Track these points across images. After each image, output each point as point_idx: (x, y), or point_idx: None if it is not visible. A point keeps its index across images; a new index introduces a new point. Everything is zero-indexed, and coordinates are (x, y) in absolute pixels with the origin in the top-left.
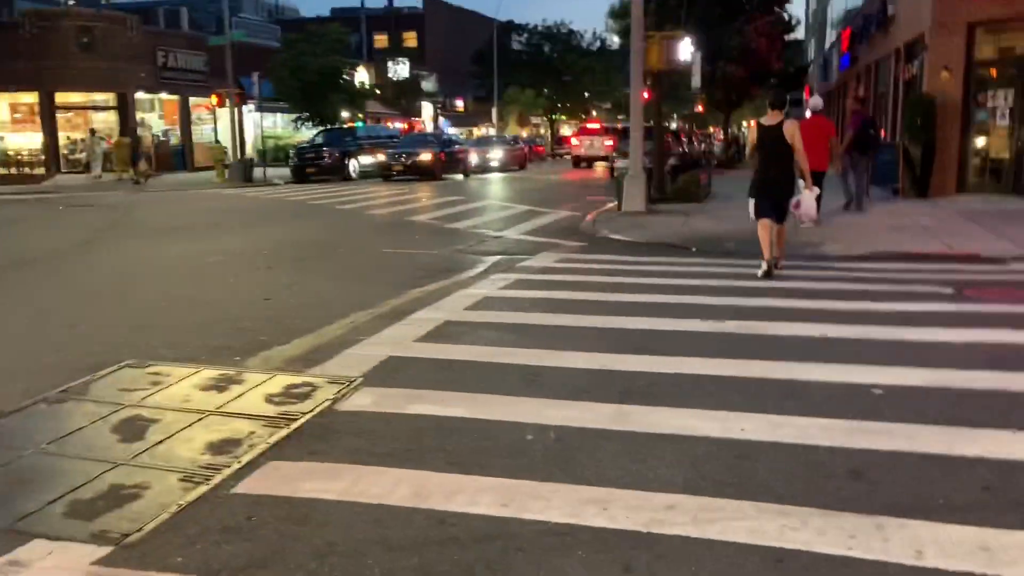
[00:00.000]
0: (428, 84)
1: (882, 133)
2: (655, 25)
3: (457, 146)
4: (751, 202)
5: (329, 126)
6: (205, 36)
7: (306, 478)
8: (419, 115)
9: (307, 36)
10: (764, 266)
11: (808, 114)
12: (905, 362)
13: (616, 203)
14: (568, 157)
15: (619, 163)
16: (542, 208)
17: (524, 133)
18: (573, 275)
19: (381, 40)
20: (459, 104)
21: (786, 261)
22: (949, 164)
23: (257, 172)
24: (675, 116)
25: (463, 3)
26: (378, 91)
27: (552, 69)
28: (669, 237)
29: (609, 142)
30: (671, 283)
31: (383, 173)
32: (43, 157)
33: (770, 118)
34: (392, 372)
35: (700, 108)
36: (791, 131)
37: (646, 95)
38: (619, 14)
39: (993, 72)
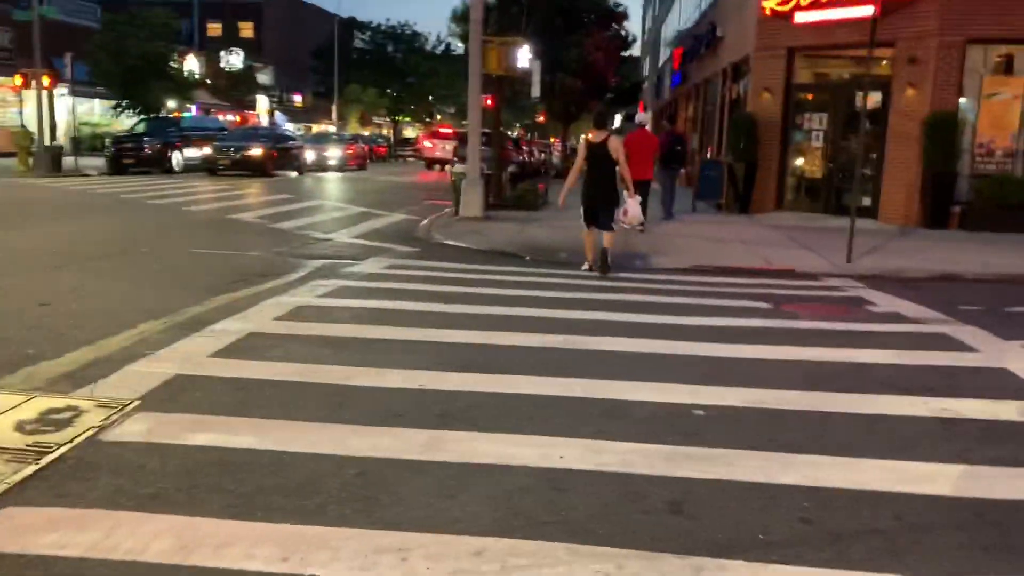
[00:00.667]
0: (264, 77)
1: (710, 150)
2: (496, 31)
3: (291, 142)
4: (583, 210)
5: (152, 115)
6: (10, 9)
7: (47, 529)
8: (254, 108)
9: (130, 18)
10: (586, 265)
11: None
12: (725, 380)
13: (455, 208)
14: (411, 160)
15: (457, 167)
16: (378, 210)
17: (366, 132)
18: (400, 283)
19: (216, 29)
20: (297, 99)
21: (617, 273)
22: (769, 182)
23: (69, 161)
24: (517, 125)
25: None
26: (208, 81)
27: (396, 70)
28: (504, 245)
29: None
30: (502, 293)
31: (209, 167)
32: None
33: (596, 136)
34: (176, 394)
35: (542, 118)
36: (615, 147)
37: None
38: (461, 18)
39: (810, 96)
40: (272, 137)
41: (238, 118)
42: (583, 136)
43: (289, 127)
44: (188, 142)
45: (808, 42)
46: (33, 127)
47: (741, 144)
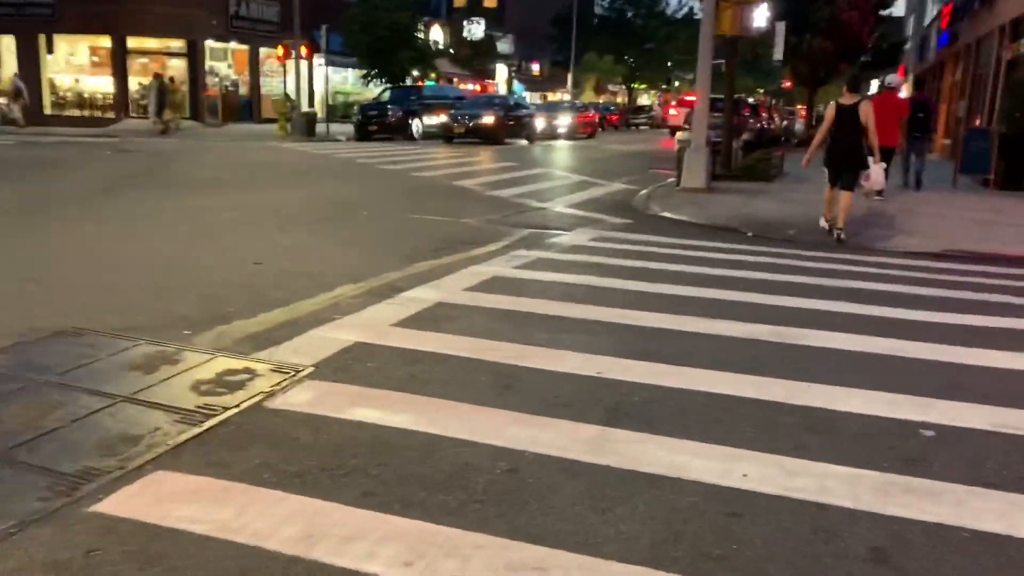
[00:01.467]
0: (504, 46)
1: (978, 119)
2: None
3: (523, 110)
4: (826, 171)
5: (397, 84)
6: None
7: (188, 500)
8: (493, 77)
9: None
10: (824, 222)
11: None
12: (967, 394)
13: (677, 178)
14: (644, 128)
15: (681, 134)
16: (598, 179)
17: (600, 100)
18: (604, 256)
19: (462, 1)
20: (535, 68)
21: (853, 253)
22: None
23: (323, 128)
24: (760, 91)
25: None
26: (451, 51)
27: (634, 36)
28: (725, 219)
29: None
30: (712, 273)
31: (445, 135)
32: (112, 101)
33: (847, 99)
34: (351, 362)
35: (788, 84)
36: (866, 111)
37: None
38: None
39: None
40: (505, 106)
41: (478, 87)
42: (833, 101)
43: (526, 96)
44: (428, 110)
45: None
46: (293, 96)
47: (1018, 112)
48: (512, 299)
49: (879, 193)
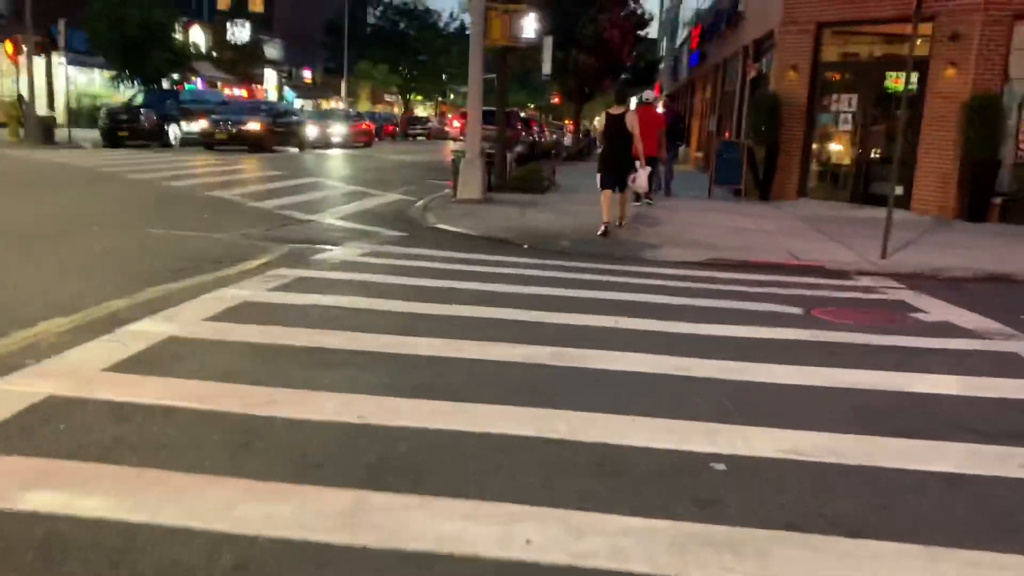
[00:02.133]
0: (273, 51)
1: (728, 134)
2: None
3: (293, 117)
4: (598, 176)
5: (152, 87)
6: None
7: None
8: (261, 83)
9: None
10: (603, 227)
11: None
12: (752, 416)
13: (454, 189)
14: (421, 139)
15: (455, 145)
16: (373, 190)
17: (377, 110)
18: (374, 274)
19: (225, 1)
20: (307, 75)
21: (625, 264)
22: (792, 167)
23: (64, 133)
24: (531, 105)
25: None
26: (214, 54)
27: (408, 47)
28: (501, 231)
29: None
30: (489, 290)
31: (206, 141)
32: None
33: (615, 109)
34: (37, 425)
35: (557, 99)
36: (631, 120)
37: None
38: None
39: (838, 75)
40: (272, 112)
41: (245, 93)
42: (604, 111)
43: (298, 103)
44: (187, 115)
45: (838, 16)
46: (28, 97)
47: (763, 126)
48: (262, 329)
49: (646, 196)
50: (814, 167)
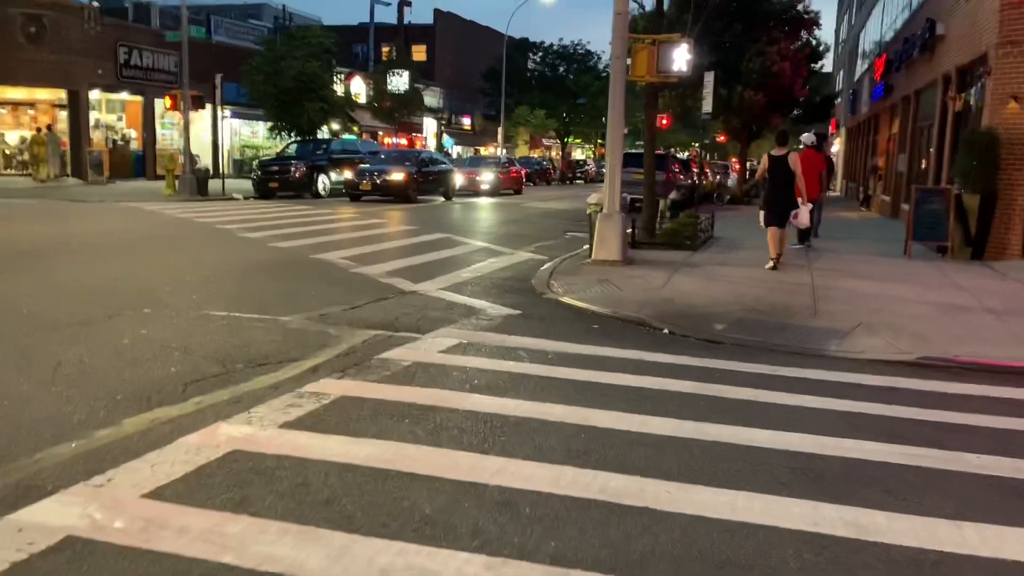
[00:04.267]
0: (432, 99)
1: (924, 173)
2: None
3: (439, 166)
4: (761, 214)
5: (304, 137)
6: (164, 31)
7: None
8: (420, 131)
9: (286, 38)
10: (771, 263)
11: (802, 147)
12: None
13: (590, 247)
14: (580, 182)
15: (593, 197)
16: (502, 247)
17: (535, 155)
18: (442, 388)
19: (389, 53)
20: (466, 122)
21: (802, 368)
22: (1015, 219)
23: (218, 185)
24: (694, 145)
25: (477, 18)
26: (375, 104)
27: (567, 90)
28: (636, 306)
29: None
30: (592, 420)
31: (350, 192)
32: None
33: (777, 151)
34: None
35: (722, 138)
36: (794, 160)
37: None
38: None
39: None
40: (417, 161)
41: (405, 141)
42: (766, 153)
43: (457, 149)
44: (336, 165)
45: None
46: (198, 150)
47: (975, 170)
48: (213, 518)
49: (806, 237)
50: None
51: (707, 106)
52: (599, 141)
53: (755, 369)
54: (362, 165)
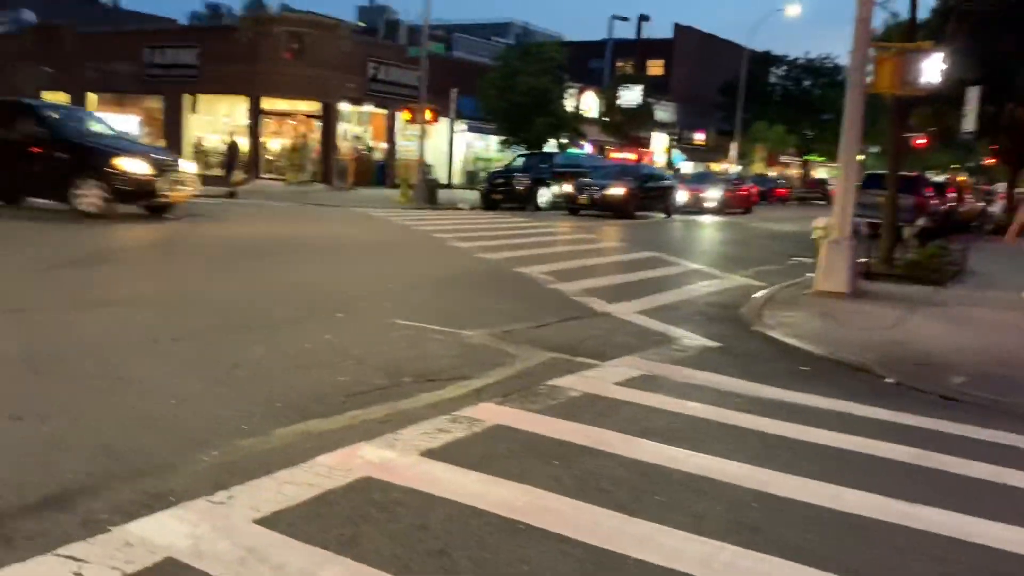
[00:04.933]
0: (664, 113)
1: None
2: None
3: (661, 181)
4: None
5: (533, 150)
6: (407, 47)
7: None
8: (649, 146)
9: (520, 54)
10: None
11: None
12: None
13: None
14: (818, 202)
15: (820, 222)
16: (715, 269)
17: (772, 173)
18: (607, 428)
19: (625, 67)
20: (699, 136)
21: None
22: None
23: (447, 195)
24: (957, 167)
25: (718, 32)
26: (606, 119)
27: (810, 106)
28: (858, 348)
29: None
30: (770, 487)
31: (569, 206)
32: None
33: None
34: None
35: (991, 160)
36: None
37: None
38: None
39: None
40: (637, 176)
41: (634, 156)
42: None
43: (687, 165)
44: (559, 178)
45: None
46: (433, 161)
47: None
48: (321, 559)
49: None
50: None
51: (968, 124)
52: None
53: (995, 437)
54: (582, 179)
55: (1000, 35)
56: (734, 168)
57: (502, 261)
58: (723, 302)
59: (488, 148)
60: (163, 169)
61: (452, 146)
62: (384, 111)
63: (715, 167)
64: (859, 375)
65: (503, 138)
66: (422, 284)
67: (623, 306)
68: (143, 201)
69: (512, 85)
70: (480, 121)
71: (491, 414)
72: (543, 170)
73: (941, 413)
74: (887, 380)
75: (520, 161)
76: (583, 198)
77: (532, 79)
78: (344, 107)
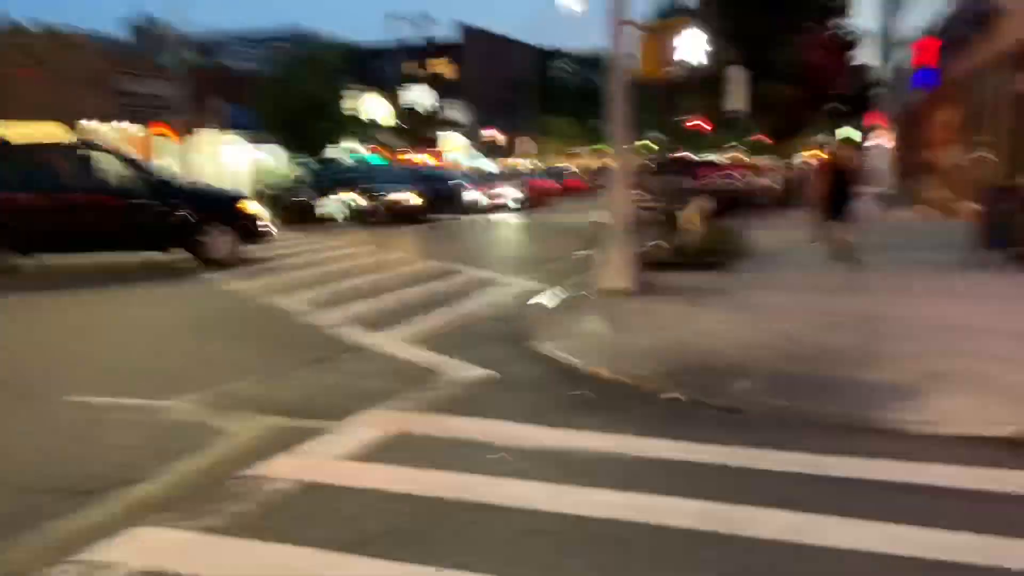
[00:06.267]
0: (456, 113)
1: (987, 166)
2: None
3: (452, 182)
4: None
5: (316, 160)
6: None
7: None
8: (444, 147)
9: (294, 60)
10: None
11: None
12: None
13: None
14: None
15: (597, 214)
16: (503, 274)
17: (569, 166)
18: (294, 544)
19: (413, 67)
20: (493, 135)
21: (851, 455)
22: None
23: None
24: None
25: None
26: (396, 122)
27: (597, 97)
28: (642, 357)
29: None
30: None
31: (355, 215)
32: None
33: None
34: None
35: (765, 137)
36: (848, 160)
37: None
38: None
39: None
40: (428, 179)
41: (428, 157)
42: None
43: (483, 164)
44: (342, 187)
45: None
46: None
47: None
48: None
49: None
50: None
51: (734, 102)
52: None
53: (791, 464)
54: (367, 186)
55: (757, 15)
56: (530, 164)
57: (254, 291)
58: (505, 315)
59: (279, 162)
60: None
61: (219, 161)
62: (139, 126)
63: (511, 164)
64: (642, 394)
65: (284, 148)
66: (135, 333)
67: (388, 335)
68: None
69: (287, 92)
70: (257, 132)
71: (139, 547)
72: (324, 179)
73: (728, 434)
74: (671, 396)
75: (300, 171)
76: (369, 206)
77: (307, 85)
78: (93, 125)
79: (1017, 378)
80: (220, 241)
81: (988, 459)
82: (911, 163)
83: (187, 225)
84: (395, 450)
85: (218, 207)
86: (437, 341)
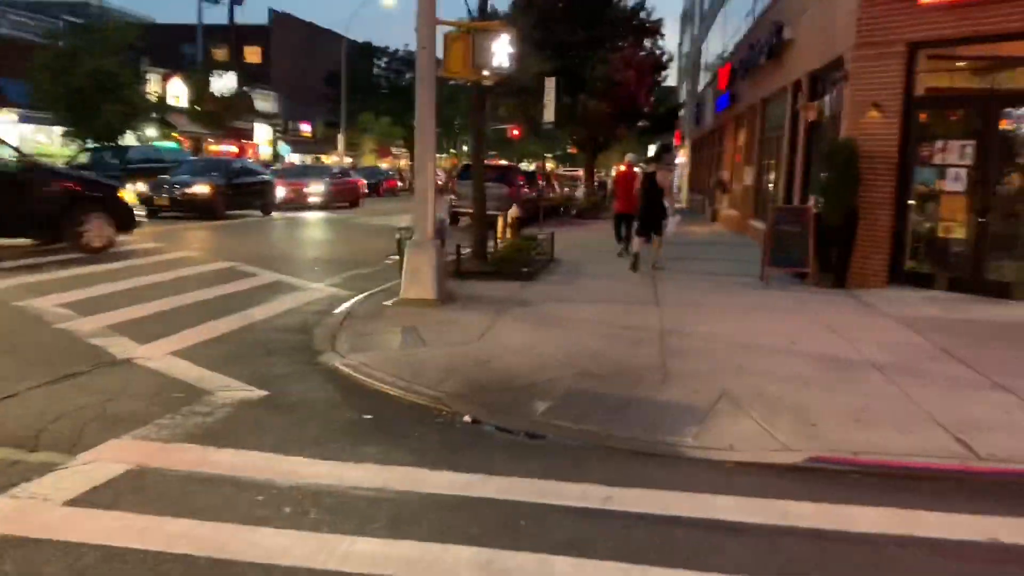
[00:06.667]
0: (266, 104)
1: (774, 188)
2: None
3: (256, 176)
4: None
5: (102, 144)
6: None
7: None
8: (251, 138)
9: (82, 32)
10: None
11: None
12: None
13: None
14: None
15: (402, 220)
16: (298, 279)
17: (383, 165)
18: None
19: (221, 54)
20: (305, 128)
21: (650, 502)
22: (878, 241)
23: None
24: (548, 155)
25: (316, 21)
26: (197, 107)
27: (412, 98)
28: (440, 375)
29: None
30: None
31: (147, 208)
32: None
33: (651, 167)
34: None
35: (573, 149)
36: (662, 177)
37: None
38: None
39: (945, 115)
40: (227, 171)
41: (234, 148)
42: (639, 169)
43: (294, 158)
44: (133, 177)
45: (942, 31)
46: None
47: (835, 185)
48: None
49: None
50: (911, 240)
51: (548, 114)
52: (451, 151)
53: (581, 499)
54: (161, 177)
55: (573, 29)
56: (344, 160)
57: (6, 292)
58: (295, 324)
59: (54, 143)
60: None
61: None
62: None
63: (325, 159)
64: (435, 417)
65: (65, 130)
66: None
67: (157, 346)
68: None
69: (71, 67)
70: (35, 110)
71: None
72: (112, 167)
73: (520, 463)
74: (466, 420)
75: (85, 157)
76: (161, 199)
77: (96, 61)
78: None
79: (800, 398)
80: (103, 230)
81: (777, 491)
82: (706, 182)
83: (66, 212)
84: (130, 492)
85: (100, 194)
86: (215, 355)
